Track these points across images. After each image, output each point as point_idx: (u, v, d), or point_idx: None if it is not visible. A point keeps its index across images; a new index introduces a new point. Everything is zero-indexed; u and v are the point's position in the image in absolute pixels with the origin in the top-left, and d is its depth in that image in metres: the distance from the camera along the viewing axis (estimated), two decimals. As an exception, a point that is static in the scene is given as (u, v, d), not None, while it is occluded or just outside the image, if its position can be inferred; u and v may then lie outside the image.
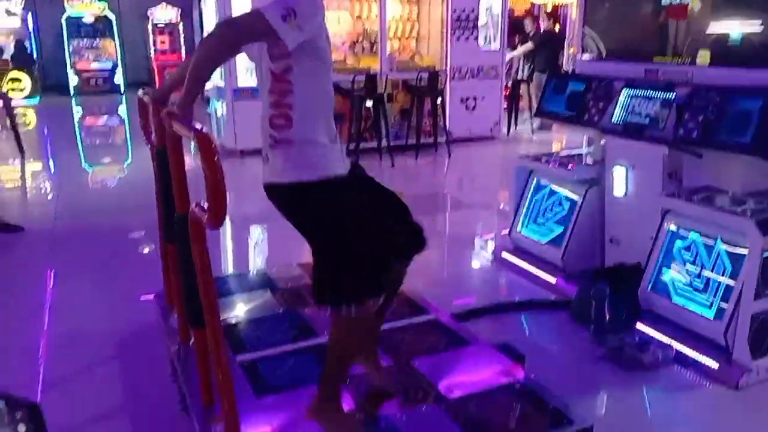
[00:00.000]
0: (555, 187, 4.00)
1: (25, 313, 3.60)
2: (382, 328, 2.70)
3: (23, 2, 13.47)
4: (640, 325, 3.13)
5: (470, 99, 8.58)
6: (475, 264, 4.48)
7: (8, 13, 13.37)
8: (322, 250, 2.15)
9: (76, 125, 11.02)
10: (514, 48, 9.73)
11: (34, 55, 13.77)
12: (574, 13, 11.47)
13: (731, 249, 2.88)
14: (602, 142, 3.77)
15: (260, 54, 2.12)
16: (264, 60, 2.10)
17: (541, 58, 9.29)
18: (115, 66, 14.23)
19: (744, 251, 2.81)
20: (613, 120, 3.60)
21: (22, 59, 13.14)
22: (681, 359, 2.93)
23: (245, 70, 7.18)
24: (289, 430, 2.18)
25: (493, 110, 8.77)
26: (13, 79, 12.83)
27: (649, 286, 3.19)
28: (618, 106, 3.59)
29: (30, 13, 13.73)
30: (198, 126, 1.96)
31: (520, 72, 9.85)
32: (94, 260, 4.37)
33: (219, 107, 7.89)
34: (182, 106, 2.10)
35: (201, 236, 1.90)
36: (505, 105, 9.18)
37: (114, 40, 14.20)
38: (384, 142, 7.47)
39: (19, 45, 13.35)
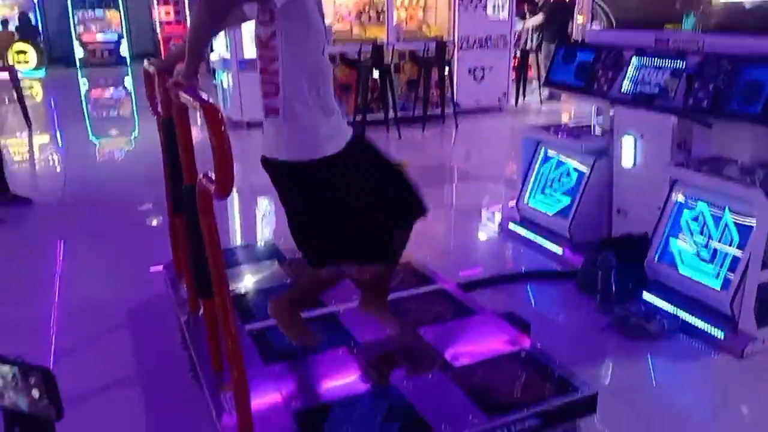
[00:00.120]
0: (563, 158, 3.98)
1: (36, 284, 3.65)
2: (390, 298, 2.74)
3: (27, -27, 13.39)
4: (646, 295, 3.14)
5: (478, 69, 8.49)
6: (482, 235, 4.48)
7: (12, -16, 13.30)
8: (311, 230, 2.20)
9: (83, 97, 11.01)
10: (522, 17, 9.59)
11: (39, 27, 13.70)
12: (584, -19, 11.26)
13: (739, 219, 2.87)
14: (611, 112, 3.74)
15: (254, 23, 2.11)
16: (256, 26, 2.09)
17: (550, 27, 9.16)
18: (120, 37, 14.16)
19: (752, 222, 2.80)
20: (622, 90, 3.57)
21: (27, 31, 13.08)
22: (687, 329, 2.94)
23: (251, 40, 7.12)
24: (298, 396, 2.22)
25: (501, 81, 8.68)
26: (19, 51, 12.79)
27: (656, 257, 3.19)
28: (627, 75, 3.55)
29: (34, -16, 13.65)
30: (204, 96, 1.96)
31: (528, 42, 9.72)
32: (103, 232, 4.41)
33: (225, 79, 7.85)
34: (186, 76, 2.10)
35: (209, 207, 1.91)
36: (513, 75, 9.09)
37: (119, 11, 14.10)
38: (391, 114, 7.42)
39: (24, 17, 13.28)
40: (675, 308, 3.00)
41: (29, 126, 7.65)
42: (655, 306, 3.05)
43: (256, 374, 2.27)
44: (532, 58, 9.48)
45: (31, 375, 1.25)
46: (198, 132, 2.30)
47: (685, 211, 3.11)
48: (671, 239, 3.16)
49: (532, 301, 3.41)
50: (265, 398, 2.19)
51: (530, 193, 4.15)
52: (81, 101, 10.61)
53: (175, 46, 2.70)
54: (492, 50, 8.49)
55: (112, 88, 11.77)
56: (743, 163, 3.04)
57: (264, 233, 4.59)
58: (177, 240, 3.04)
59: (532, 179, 4.16)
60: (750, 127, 2.95)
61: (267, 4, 1.98)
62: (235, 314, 2.43)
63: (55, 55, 13.96)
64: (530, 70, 9.66)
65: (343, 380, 2.32)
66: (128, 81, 12.47)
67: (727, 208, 2.92)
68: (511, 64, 8.85)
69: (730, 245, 2.89)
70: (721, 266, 2.92)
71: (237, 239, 4.39)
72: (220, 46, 7.85)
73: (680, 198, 3.15)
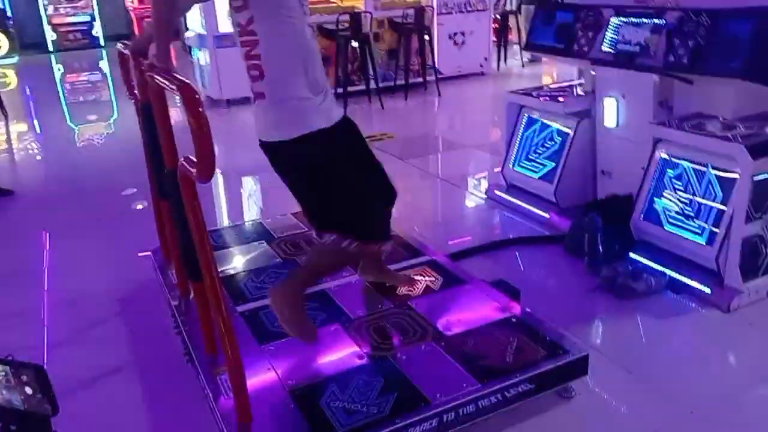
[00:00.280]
0: (546, 122, 3.97)
1: (23, 276, 3.62)
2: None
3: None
4: (633, 255, 3.17)
5: (458, 34, 8.41)
6: (469, 203, 4.49)
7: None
8: (315, 208, 2.20)
9: (58, 83, 10.79)
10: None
11: (8, 13, 13.35)
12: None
13: (722, 174, 2.88)
14: (592, 72, 3.73)
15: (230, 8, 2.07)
16: (232, 14, 2.05)
17: (528, -12, 9.06)
18: (92, 18, 13.83)
19: (734, 175, 2.82)
20: (602, 49, 3.55)
21: (-5, 17, 12.77)
22: (674, 286, 2.98)
23: (226, 15, 6.99)
24: (293, 374, 2.23)
25: (482, 45, 8.61)
26: (-11, 39, 12.50)
27: (642, 216, 3.21)
28: (607, 35, 3.52)
29: (-1, -32, 13.25)
30: (180, 77, 1.93)
31: (508, 3, 9.62)
32: (88, 219, 4.36)
33: (201, 56, 7.72)
34: (159, 58, 2.07)
35: (192, 191, 1.90)
36: (494, 39, 9.01)
37: (89, -9, 13.76)
38: (372, 84, 7.35)
39: (-9, 2, 12.93)
40: (662, 266, 3.04)
41: (5, 115, 7.50)
42: (642, 265, 3.09)
43: (251, 354, 2.28)
44: (512, 20, 9.39)
45: (24, 372, 1.25)
46: (177, 113, 2.27)
47: (669, 169, 3.13)
48: (656, 198, 3.18)
49: (521, 267, 3.43)
50: (260, 378, 2.21)
51: (515, 159, 4.15)
52: (56, 87, 10.41)
53: (148, 24, 2.65)
54: (471, 14, 8.41)
55: (87, 72, 11.54)
56: (725, 119, 3.05)
57: (251, 212, 4.57)
58: (163, 225, 3.02)
59: (517, 145, 4.15)
60: (731, 82, 2.95)
61: None
62: (226, 296, 2.43)
63: (27, 41, 13.62)
64: (510, 32, 9.57)
65: (337, 356, 2.34)
66: (103, 63, 12.23)
67: (709, 165, 2.94)
68: (492, 28, 8.77)
69: (713, 201, 2.91)
70: (705, 222, 2.94)
71: (224, 219, 4.37)
72: (194, 23, 7.70)
73: (663, 156, 3.16)
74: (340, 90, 7.12)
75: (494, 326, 2.43)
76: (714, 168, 2.92)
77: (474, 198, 4.51)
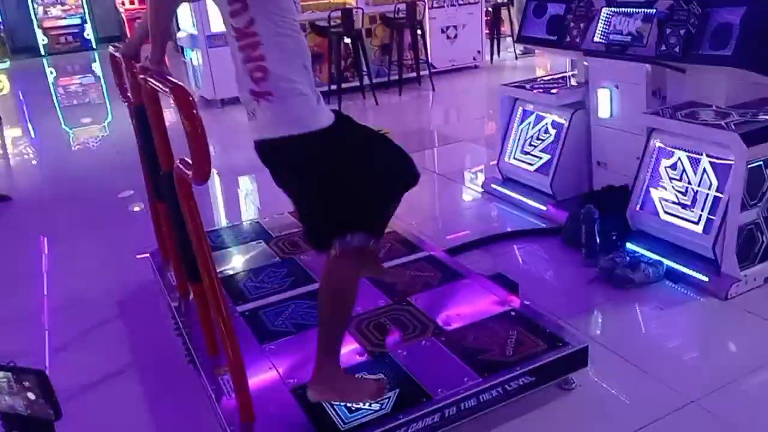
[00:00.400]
0: (541, 114, 3.98)
1: (23, 281, 3.62)
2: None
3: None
4: (630, 245, 3.18)
5: (451, 28, 8.40)
6: (466, 198, 4.50)
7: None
8: (313, 206, 2.16)
9: (51, 87, 10.76)
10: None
11: (-1, 17, 13.32)
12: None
13: (716, 162, 2.89)
14: (585, 63, 3.73)
15: (223, 14, 2.06)
16: (226, 19, 2.04)
17: (520, -20, 9.05)
18: (83, 21, 13.78)
19: (729, 162, 2.83)
20: (594, 40, 3.55)
21: (-15, 22, 12.72)
22: (672, 275, 2.99)
23: (217, 14, 6.95)
24: (295, 372, 2.24)
25: (474, 38, 8.61)
26: (-20, 44, 12.45)
27: (638, 206, 3.22)
28: (599, 26, 3.53)
29: (-13, -28, 13.20)
30: (173, 79, 1.93)
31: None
32: (85, 223, 4.36)
33: (194, 57, 7.70)
34: (153, 61, 2.07)
35: (188, 193, 1.90)
36: (487, 31, 9.00)
37: (79, -7, 13.71)
38: (366, 80, 7.35)
39: (-19, 7, 12.87)
40: (659, 256, 3.05)
41: (-1, 120, 7.49)
42: (640, 255, 3.09)
43: (252, 354, 2.29)
44: (504, 12, 9.38)
45: (26, 378, 1.26)
46: (171, 114, 2.27)
47: (663, 159, 3.14)
48: (651, 188, 3.19)
49: (519, 260, 3.44)
50: (262, 377, 2.22)
51: (511, 152, 4.15)
52: (50, 90, 10.38)
53: (139, 25, 2.64)
54: (463, 7, 8.40)
55: (80, 75, 11.51)
56: (718, 107, 3.06)
57: (248, 212, 4.57)
58: (161, 226, 3.02)
59: (512, 137, 4.15)
60: (723, 70, 2.96)
61: None
62: (225, 296, 2.44)
63: (18, 45, 13.57)
64: (503, 24, 9.57)
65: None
66: (96, 66, 12.20)
67: (704, 153, 2.95)
68: (484, 20, 8.77)
69: (709, 189, 2.92)
70: (702, 209, 2.95)
71: (222, 219, 4.37)
72: (186, 23, 7.68)
73: (658, 146, 3.17)
74: (333, 87, 7.11)
75: (494, 320, 2.44)
76: (709, 156, 2.92)
77: (471, 192, 4.52)
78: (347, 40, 7.14)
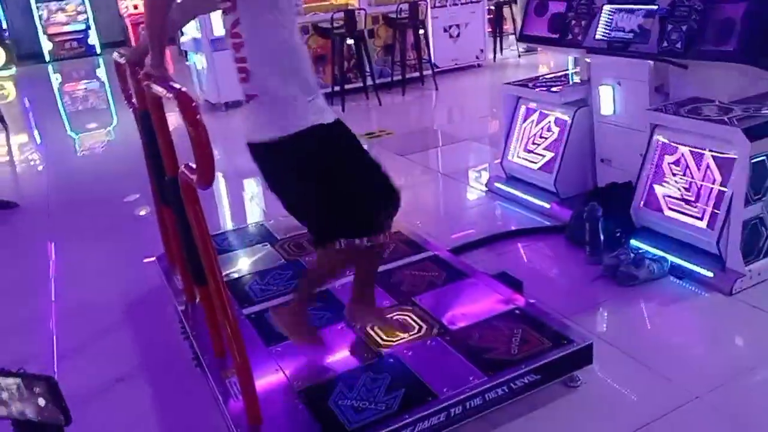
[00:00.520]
0: (544, 112, 3.98)
1: (31, 287, 3.66)
2: (384, 269, 2.78)
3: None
4: (634, 242, 3.18)
5: (453, 27, 8.41)
6: (471, 196, 4.50)
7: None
8: (296, 206, 2.21)
9: (57, 92, 10.82)
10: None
11: (3, 25, 13.37)
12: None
13: (720, 156, 2.89)
14: (588, 60, 3.73)
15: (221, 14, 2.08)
16: (221, 16, 2.07)
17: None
18: (88, 27, 13.85)
19: (732, 157, 2.83)
20: (596, 38, 3.55)
21: (-9, 30, 12.79)
22: (676, 271, 2.99)
23: (221, 18, 6.98)
24: (301, 374, 2.26)
25: (477, 37, 8.60)
26: (-15, 51, 12.52)
27: (642, 203, 3.22)
28: (601, 23, 3.53)
29: (-8, -20, 13.26)
30: (176, 85, 1.95)
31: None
32: (92, 228, 4.40)
33: (198, 60, 7.73)
34: (154, 66, 2.09)
35: (193, 197, 1.92)
36: (489, 29, 9.00)
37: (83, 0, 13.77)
38: (369, 81, 7.36)
39: (-14, 15, 12.94)
40: (663, 252, 3.05)
41: (5, 127, 7.53)
42: (644, 251, 3.09)
43: (258, 356, 2.31)
44: (506, 10, 9.37)
45: (35, 384, 1.28)
46: (177, 118, 2.28)
47: (667, 155, 3.14)
48: (655, 184, 3.18)
49: (524, 258, 3.45)
50: (269, 379, 2.24)
51: (514, 150, 4.16)
52: (55, 96, 10.44)
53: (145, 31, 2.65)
54: (466, 6, 8.40)
55: (85, 80, 11.57)
56: (721, 102, 3.06)
57: (253, 215, 4.60)
58: (167, 230, 3.04)
59: (515, 136, 4.16)
60: (725, 66, 2.96)
61: None
62: (231, 299, 2.46)
63: (24, 52, 13.64)
64: (506, 22, 9.56)
65: (344, 354, 2.36)
66: (100, 71, 12.26)
67: (707, 149, 2.94)
68: (486, 19, 8.76)
69: (713, 184, 2.92)
70: (705, 205, 2.95)
71: (227, 222, 4.39)
72: (189, 27, 7.71)
73: (661, 142, 3.17)
74: (337, 88, 7.13)
75: (498, 319, 2.45)
76: (712, 152, 2.92)
77: (475, 191, 4.52)
78: (350, 41, 7.16)
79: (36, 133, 8.02)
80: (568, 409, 2.24)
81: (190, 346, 2.64)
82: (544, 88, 3.93)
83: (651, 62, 3.27)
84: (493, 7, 9.26)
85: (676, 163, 3.09)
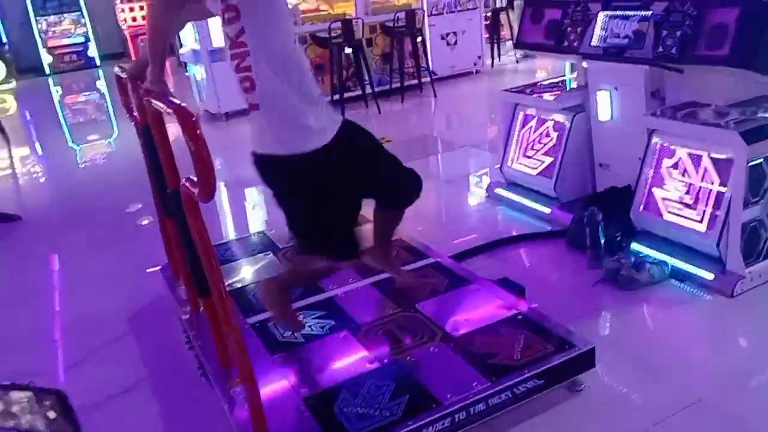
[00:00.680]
0: (542, 118, 4.00)
1: (35, 299, 3.67)
2: (387, 276, 2.80)
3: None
4: (634, 246, 3.20)
5: (450, 34, 8.45)
6: (471, 202, 4.53)
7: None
8: (290, 219, 2.26)
9: (57, 105, 10.87)
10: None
11: (3, 39, 13.44)
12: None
13: (718, 160, 2.91)
14: (584, 65, 3.76)
15: (222, 23, 2.10)
16: (222, 26, 2.09)
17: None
18: (87, 39, 13.92)
19: (730, 158, 2.85)
20: (592, 44, 3.59)
21: (-9, 44, 12.85)
22: (677, 274, 3.01)
23: (219, 29, 7.02)
24: (306, 382, 2.27)
25: (474, 43, 8.65)
26: (-14, 66, 12.58)
27: (641, 207, 3.24)
28: (596, 29, 3.56)
29: (-10, -4, 13.33)
30: (176, 101, 1.97)
31: (498, 0, 9.66)
32: (95, 239, 4.42)
33: (198, 71, 7.78)
34: (153, 81, 2.11)
35: (195, 210, 1.94)
36: (486, 36, 9.04)
37: (81, 11, 13.83)
38: (368, 89, 7.40)
39: (-14, 29, 13.01)
40: (664, 255, 3.07)
41: (7, 141, 7.55)
42: (644, 255, 3.11)
43: (263, 365, 2.33)
44: (503, 16, 9.43)
45: (45, 397, 1.29)
46: (177, 129, 2.31)
47: (665, 159, 3.16)
48: (654, 188, 3.21)
49: (525, 264, 3.47)
50: (274, 388, 2.25)
51: (513, 156, 4.18)
52: (56, 109, 10.49)
53: (144, 43, 2.69)
54: (462, 13, 8.45)
55: (85, 92, 11.62)
56: (717, 106, 3.08)
57: (255, 224, 4.62)
58: (170, 241, 3.06)
59: (514, 142, 4.18)
60: (720, 70, 2.98)
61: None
62: (235, 309, 2.48)
63: (24, 65, 13.71)
64: (503, 29, 9.61)
65: (348, 362, 2.38)
66: (101, 83, 12.31)
67: (704, 153, 2.97)
68: (483, 26, 8.81)
69: (711, 187, 2.94)
70: (705, 207, 2.97)
71: (229, 232, 4.41)
72: (188, 38, 7.76)
73: (659, 146, 3.19)
74: (336, 97, 7.17)
75: (501, 324, 2.46)
76: (710, 155, 2.95)
77: (475, 197, 4.55)
78: (348, 51, 7.20)
79: (37, 145, 8.05)
80: (571, 413, 2.25)
81: (195, 356, 2.66)
82: (542, 95, 3.96)
83: (647, 67, 3.29)
84: (489, 14, 9.32)
85: (675, 166, 3.11)
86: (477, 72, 8.72)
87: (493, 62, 9.17)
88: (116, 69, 2.95)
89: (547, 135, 3.94)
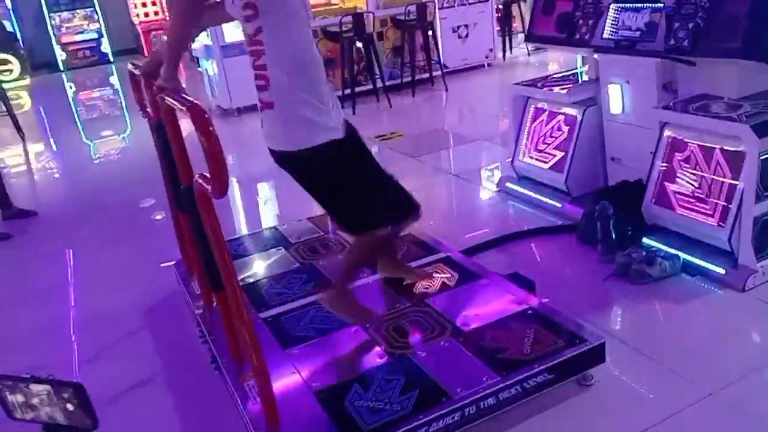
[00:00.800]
0: (553, 111, 3.99)
1: (50, 294, 3.73)
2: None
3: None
4: (646, 240, 3.19)
5: (462, 27, 8.42)
6: (483, 197, 4.53)
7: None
8: (332, 207, 2.28)
9: (71, 101, 10.97)
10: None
11: (18, 35, 13.56)
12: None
13: (730, 153, 2.90)
14: (596, 57, 3.74)
15: (240, 20, 2.12)
16: (241, 23, 2.11)
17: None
18: (100, 35, 14.01)
19: (742, 151, 2.83)
20: (603, 36, 3.57)
21: (5, 41, 12.95)
22: (688, 268, 3.00)
23: (231, 24, 7.04)
24: (317, 376, 2.30)
25: (486, 36, 8.61)
26: (1, 62, 12.70)
27: (653, 200, 3.23)
28: (608, 22, 3.54)
29: (4, -8, 13.43)
30: (189, 98, 2.00)
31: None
32: (110, 234, 4.47)
33: (210, 67, 7.81)
34: (167, 78, 2.13)
35: (209, 206, 1.96)
36: (498, 28, 9.00)
37: (95, 7, 13.92)
38: (379, 83, 7.40)
39: (0, 26, 13.12)
40: (675, 249, 3.06)
41: (22, 137, 7.66)
42: (656, 249, 3.11)
43: (275, 359, 2.36)
44: (515, 9, 9.38)
45: (64, 390, 1.33)
46: (190, 125, 2.34)
47: (677, 152, 3.14)
48: (666, 182, 3.19)
49: (537, 258, 3.47)
50: (286, 382, 2.28)
51: (525, 150, 4.18)
52: (70, 105, 10.59)
53: (157, 39, 2.72)
54: (474, 6, 8.41)
55: (98, 88, 11.71)
56: (729, 99, 3.06)
57: (267, 219, 4.65)
58: (183, 237, 3.10)
59: (525, 136, 4.18)
60: (732, 62, 2.97)
61: None
62: (248, 304, 2.51)
63: (38, 62, 13.83)
64: (515, 21, 9.56)
65: (359, 356, 2.40)
66: (114, 79, 12.40)
67: (716, 146, 2.95)
68: (495, 17, 8.76)
69: (723, 180, 2.93)
70: (717, 201, 2.95)
71: (241, 226, 4.45)
72: (201, 34, 7.78)
73: (671, 140, 3.18)
74: (347, 91, 7.18)
75: (511, 319, 2.47)
76: (722, 148, 2.93)
77: (486, 191, 4.55)
78: (359, 44, 7.21)
79: (52, 141, 8.14)
80: (582, 407, 2.26)
81: (209, 350, 2.69)
82: (553, 88, 3.95)
83: (658, 60, 3.27)
84: (501, 6, 9.27)
85: (686, 160, 3.09)
86: (489, 65, 8.68)
87: (504, 55, 9.13)
88: (129, 66, 2.98)
89: (559, 129, 3.93)
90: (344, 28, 7.18)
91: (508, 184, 4.26)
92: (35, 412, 1.38)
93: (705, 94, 3.16)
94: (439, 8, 8.12)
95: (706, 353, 2.52)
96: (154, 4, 13.94)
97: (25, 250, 4.46)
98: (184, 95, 2.04)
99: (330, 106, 2.16)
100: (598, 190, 3.67)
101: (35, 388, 1.33)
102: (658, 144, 3.21)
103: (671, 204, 3.16)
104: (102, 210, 5.03)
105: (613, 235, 3.19)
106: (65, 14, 13.76)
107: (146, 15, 13.85)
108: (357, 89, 7.32)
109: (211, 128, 1.78)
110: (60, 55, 13.77)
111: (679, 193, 3.12)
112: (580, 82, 3.98)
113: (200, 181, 1.93)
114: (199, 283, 2.91)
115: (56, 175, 6.56)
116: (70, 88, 12.12)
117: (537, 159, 4.07)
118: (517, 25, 9.63)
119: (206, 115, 1.82)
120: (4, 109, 7.62)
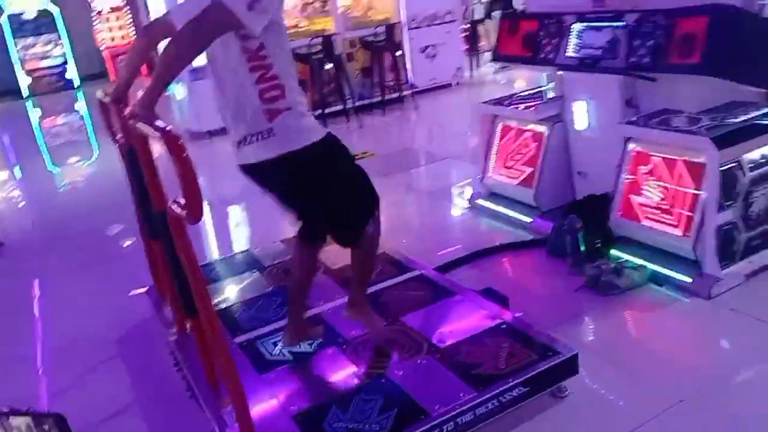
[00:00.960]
0: (521, 128, 4.07)
1: (18, 326, 3.64)
2: (372, 290, 2.82)
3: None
4: (614, 251, 3.26)
5: (430, 48, 8.54)
6: (454, 213, 4.57)
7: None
8: (325, 204, 2.29)
9: (36, 128, 10.80)
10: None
11: (-20, 62, 13.34)
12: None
13: (691, 165, 2.99)
14: (560, 73, 3.83)
15: (225, 39, 2.12)
16: (233, 43, 2.12)
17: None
18: (65, 61, 13.86)
19: (702, 162, 2.92)
20: (567, 55, 3.66)
21: (-32, 68, 12.74)
22: (656, 278, 3.07)
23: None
24: (295, 400, 2.29)
25: (454, 56, 8.74)
26: (-36, 89, 12.47)
27: (619, 213, 3.31)
28: (571, 40, 3.64)
29: (-34, 19, 13.22)
30: (163, 125, 1.99)
31: (476, 13, 9.78)
32: (78, 263, 4.40)
33: (178, 90, 7.79)
34: (145, 107, 2.12)
35: (182, 232, 1.96)
36: (465, 47, 9.15)
37: (60, 33, 13.78)
38: (349, 104, 7.45)
39: (-37, 53, 12.90)
40: (642, 260, 3.13)
41: (-14, 166, 7.51)
42: (624, 260, 3.17)
43: (252, 384, 2.34)
44: (481, 28, 9.55)
45: (45, 422, 1.31)
46: (161, 149, 2.32)
47: (641, 166, 3.23)
48: (631, 195, 3.27)
49: (508, 273, 3.51)
50: (263, 406, 2.27)
51: (494, 167, 4.24)
52: (35, 132, 10.42)
53: (124, 67, 2.72)
54: (441, 26, 8.54)
55: (64, 114, 11.55)
56: (690, 113, 3.16)
57: (240, 242, 4.63)
58: (155, 263, 3.07)
59: (494, 153, 4.25)
60: (691, 78, 3.07)
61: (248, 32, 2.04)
62: (223, 329, 2.49)
63: (1, 89, 13.61)
64: (480, 39, 9.73)
65: (336, 378, 2.40)
66: (80, 105, 12.25)
67: (678, 159, 3.04)
68: (462, 37, 8.90)
69: (686, 193, 3.01)
70: (681, 212, 3.04)
71: (214, 251, 4.42)
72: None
73: (634, 154, 3.26)
74: (318, 112, 7.20)
75: (485, 334, 2.50)
76: (684, 160, 3.02)
77: (458, 208, 4.59)
78: (329, 66, 7.26)
79: (16, 169, 7.99)
80: (557, 419, 2.29)
81: (183, 377, 2.66)
82: (520, 106, 4.02)
83: (620, 77, 3.37)
84: (468, 26, 9.44)
85: (650, 172, 3.18)
86: (457, 84, 8.81)
87: (472, 73, 9.27)
88: (98, 94, 2.95)
89: (526, 145, 4.01)
90: (314, 50, 7.23)
91: (479, 201, 4.31)
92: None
93: (666, 109, 3.27)
94: (407, 29, 8.23)
95: (677, 360, 2.57)
96: (120, 28, 13.86)
97: (-8, 281, 4.36)
98: (157, 122, 2.04)
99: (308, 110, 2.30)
100: (566, 204, 3.74)
101: (14, 421, 1.31)
102: (623, 158, 3.30)
103: (637, 216, 3.24)
104: (69, 238, 4.95)
105: (582, 248, 3.25)
106: (30, 40, 13.58)
107: (112, 39, 13.75)
108: (327, 110, 7.36)
109: (185, 155, 1.78)
110: (24, 81, 13.56)
111: (645, 204, 3.21)
112: (545, 99, 4.07)
113: (174, 206, 1.93)
114: (172, 309, 2.88)
115: (21, 204, 6.44)
116: (36, 114, 11.93)
117: (506, 175, 4.14)
118: (483, 44, 9.81)
119: (180, 142, 1.82)
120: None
